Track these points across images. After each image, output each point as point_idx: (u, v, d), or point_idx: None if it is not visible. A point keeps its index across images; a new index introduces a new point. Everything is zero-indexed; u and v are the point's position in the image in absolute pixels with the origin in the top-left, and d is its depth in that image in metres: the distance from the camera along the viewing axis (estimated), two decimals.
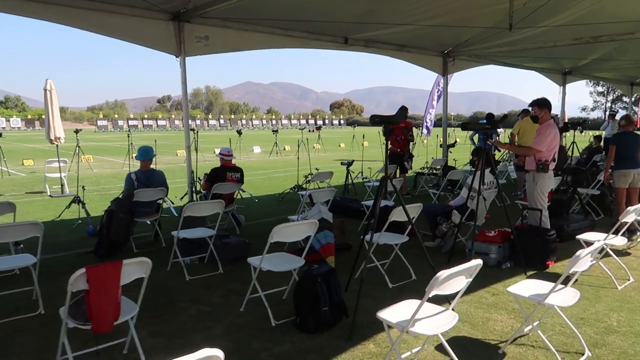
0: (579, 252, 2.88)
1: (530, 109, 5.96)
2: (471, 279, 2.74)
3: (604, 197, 7.57)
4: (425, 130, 17.91)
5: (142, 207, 5.71)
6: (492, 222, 5.93)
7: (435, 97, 18.06)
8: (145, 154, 5.92)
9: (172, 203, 7.89)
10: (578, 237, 4.71)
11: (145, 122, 63.37)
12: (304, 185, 9.50)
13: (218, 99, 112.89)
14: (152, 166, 6.16)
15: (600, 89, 68.24)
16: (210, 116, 75.80)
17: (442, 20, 7.79)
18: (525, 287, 3.22)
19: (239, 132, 18.24)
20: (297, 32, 7.55)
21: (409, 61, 9.80)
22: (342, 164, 10.07)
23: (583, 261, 2.99)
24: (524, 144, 9.41)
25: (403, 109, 3.83)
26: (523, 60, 11.91)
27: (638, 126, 33.73)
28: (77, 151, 13.19)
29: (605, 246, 4.57)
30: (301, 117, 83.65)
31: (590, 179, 7.95)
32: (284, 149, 23.17)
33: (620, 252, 5.58)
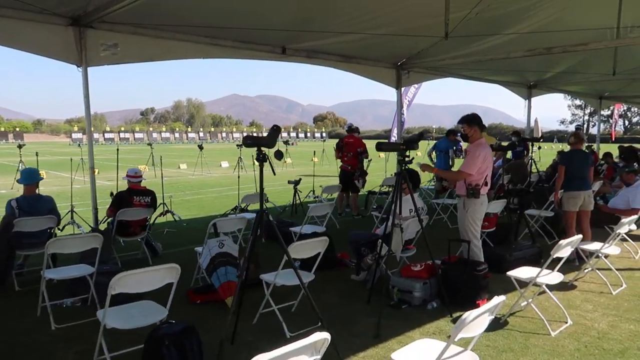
0: (466, 315, 2.25)
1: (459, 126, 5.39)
2: (493, 316, 2.56)
3: (558, 219, 7.02)
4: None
5: (27, 238, 4.97)
6: (432, 252, 5.32)
7: (405, 111, 17.61)
8: (29, 177, 5.19)
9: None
10: (509, 273, 4.11)
11: (122, 134, 62.19)
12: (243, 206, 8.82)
13: (200, 112, 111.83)
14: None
15: (578, 102, 69.02)
16: (189, 129, 74.63)
17: (390, 30, 7.24)
18: (414, 351, 2.58)
19: (200, 147, 17.57)
20: (226, 40, 6.92)
21: (360, 74, 9.24)
22: (289, 182, 9.45)
23: (478, 322, 2.36)
24: None
25: (276, 130, 3.24)
26: (485, 73, 11.46)
27: (612, 139, 33.68)
28: (19, 167, 12.36)
29: (539, 284, 3.97)
30: (283, 129, 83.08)
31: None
32: (254, 163, 22.53)
33: (566, 286, 5.00)
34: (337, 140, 9.71)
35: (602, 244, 4.99)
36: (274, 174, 3.66)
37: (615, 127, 36.56)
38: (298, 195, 9.33)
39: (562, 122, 73.21)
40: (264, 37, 7.18)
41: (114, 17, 5.59)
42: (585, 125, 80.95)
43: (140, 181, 5.98)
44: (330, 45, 7.91)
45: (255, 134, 66.32)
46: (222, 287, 4.31)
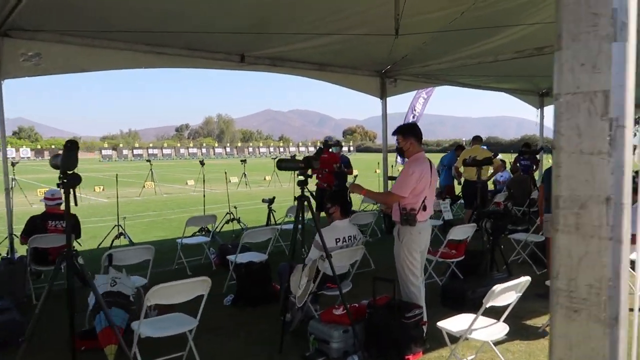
0: None
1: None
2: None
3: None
4: (399, 159, 16.53)
5: None
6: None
7: (411, 121, 16.78)
8: None
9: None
10: (439, 324, 3.26)
11: (150, 151, 63.15)
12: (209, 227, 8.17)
13: (229, 127, 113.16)
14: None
15: None
16: (216, 144, 75.31)
17: (363, 31, 6.50)
18: None
19: (202, 163, 17.14)
20: (171, 48, 6.34)
21: (339, 83, 8.53)
22: (263, 201, 8.75)
23: None
24: (470, 179, 7.99)
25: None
26: (487, 80, 10.54)
27: None
28: (12, 185, 12.16)
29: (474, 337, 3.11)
30: (310, 144, 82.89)
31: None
32: (264, 179, 22.07)
33: (536, 333, 4.08)
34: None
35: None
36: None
37: None
38: (273, 215, 8.62)
39: None
40: (218, 44, 6.57)
41: (35, 24, 5.10)
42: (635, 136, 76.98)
43: (59, 204, 5.39)
44: (298, 52, 7.22)
45: (281, 149, 65.86)
46: (102, 333, 3.62)
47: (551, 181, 4.17)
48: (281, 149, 72.70)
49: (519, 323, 4.33)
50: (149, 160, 17.23)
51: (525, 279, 3.13)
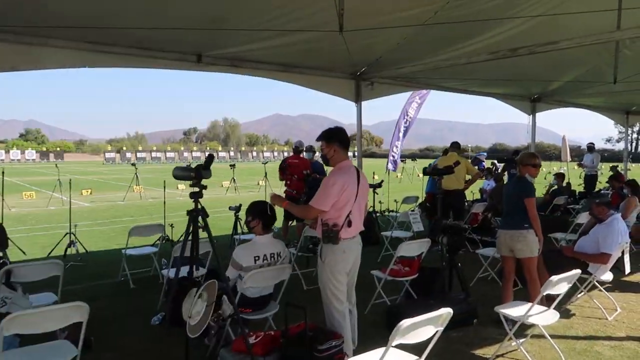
0: None
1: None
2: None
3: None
4: (390, 165, 16.07)
5: None
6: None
7: (402, 129, 16.32)
8: None
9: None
10: None
11: (153, 154, 63.16)
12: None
13: (235, 131, 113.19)
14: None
15: None
16: (220, 148, 75.23)
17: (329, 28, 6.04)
18: None
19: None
20: (119, 47, 5.96)
21: (308, 86, 8.10)
22: (230, 209, 8.33)
23: None
24: (447, 188, 7.53)
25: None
26: (472, 84, 10.06)
27: None
28: None
29: None
30: (317, 148, 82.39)
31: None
32: (258, 183, 21.73)
33: None
34: None
35: (527, 306, 3.58)
36: None
37: None
38: (239, 224, 8.20)
39: (609, 141, 68.98)
40: (172, 43, 6.19)
41: None
42: (633, 144, 76.02)
43: None
44: (260, 52, 6.82)
45: (285, 153, 65.54)
46: None
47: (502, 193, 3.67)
48: (285, 153, 72.57)
49: (467, 352, 3.88)
50: (133, 164, 16.92)
51: (447, 312, 2.68)
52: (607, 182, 10.53)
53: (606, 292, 4.98)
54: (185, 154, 64.82)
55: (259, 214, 3.54)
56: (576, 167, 14.28)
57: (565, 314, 4.75)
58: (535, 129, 12.31)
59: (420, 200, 10.48)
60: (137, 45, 6.06)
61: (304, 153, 9.06)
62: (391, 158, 16.29)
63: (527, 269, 4.56)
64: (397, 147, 16.45)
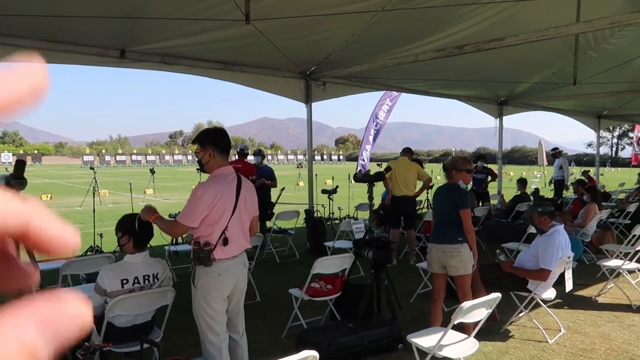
0: None
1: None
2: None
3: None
4: (360, 169, 15.61)
5: None
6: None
7: (372, 132, 15.91)
8: None
9: None
10: None
11: (133, 157, 62.17)
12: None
13: None
14: None
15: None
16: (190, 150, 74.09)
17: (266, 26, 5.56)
18: None
19: (152, 171, 16.27)
20: (27, 39, 5.40)
21: (252, 85, 7.61)
22: (169, 216, 7.76)
23: None
24: (396, 194, 7.08)
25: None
26: (432, 85, 9.65)
27: (634, 163, 30.54)
28: None
29: None
30: (299, 152, 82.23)
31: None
32: None
33: None
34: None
35: (438, 332, 3.10)
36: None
37: (637, 150, 33.46)
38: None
39: (590, 145, 69.44)
40: (89, 36, 5.64)
41: None
42: (614, 148, 76.60)
43: None
44: (196, 48, 6.31)
45: (269, 157, 66.29)
46: None
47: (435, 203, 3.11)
48: (269, 157, 72.09)
49: None
50: (92, 168, 16.22)
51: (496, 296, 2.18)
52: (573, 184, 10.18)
53: (551, 311, 4.54)
54: (167, 157, 63.94)
55: (129, 230, 3.03)
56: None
57: (503, 336, 4.30)
58: (516, 133, 12.02)
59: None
60: (49, 39, 5.51)
61: (251, 157, 8.57)
62: (361, 162, 15.86)
63: (460, 288, 4.10)
64: (366, 150, 16.05)
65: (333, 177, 17.65)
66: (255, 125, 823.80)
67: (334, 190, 8.92)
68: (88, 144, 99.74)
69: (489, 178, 10.51)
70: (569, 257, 4.23)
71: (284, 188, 8.88)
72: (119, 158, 59.70)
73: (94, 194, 9.82)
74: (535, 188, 12.03)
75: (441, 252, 3.91)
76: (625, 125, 54.89)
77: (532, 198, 11.81)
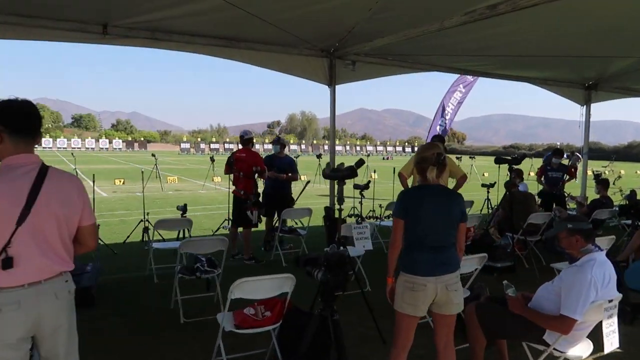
0: None
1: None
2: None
3: None
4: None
5: None
6: None
7: (438, 127, 14.37)
8: None
9: None
10: None
11: (227, 146, 64.63)
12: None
13: (312, 125, 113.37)
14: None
15: None
16: (292, 141, 75.47)
17: None
18: None
19: (212, 159, 16.20)
20: None
21: (265, 66, 6.75)
22: (177, 208, 7.19)
23: None
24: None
25: None
26: (491, 64, 8.07)
27: None
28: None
29: None
30: (397, 143, 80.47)
31: None
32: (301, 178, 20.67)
33: None
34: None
35: None
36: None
37: None
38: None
39: None
40: (63, 9, 5.10)
41: None
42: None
43: None
44: (191, 20, 5.54)
45: (357, 147, 64.37)
46: None
47: (413, 211, 2.91)
48: (357, 148, 71.21)
49: None
50: (153, 155, 16.47)
51: None
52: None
53: None
54: (258, 147, 65.69)
55: None
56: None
57: None
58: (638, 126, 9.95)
59: None
60: (17, 13, 5.04)
61: (273, 146, 7.71)
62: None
63: (450, 331, 2.92)
64: (439, 127, 14.53)
65: (375, 171, 16.44)
66: (351, 117, 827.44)
67: (366, 186, 7.75)
68: (189, 132, 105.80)
69: (566, 177, 8.70)
70: (610, 301, 2.84)
71: (309, 181, 7.95)
72: (212, 146, 62.32)
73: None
74: (632, 190, 9.83)
75: (444, 287, 2.76)
76: None
77: (626, 202, 9.74)
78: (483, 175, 22.55)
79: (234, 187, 6.67)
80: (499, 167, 7.20)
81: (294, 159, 7.69)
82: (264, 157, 7.10)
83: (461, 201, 2.90)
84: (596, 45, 7.14)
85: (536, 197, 9.17)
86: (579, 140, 10.63)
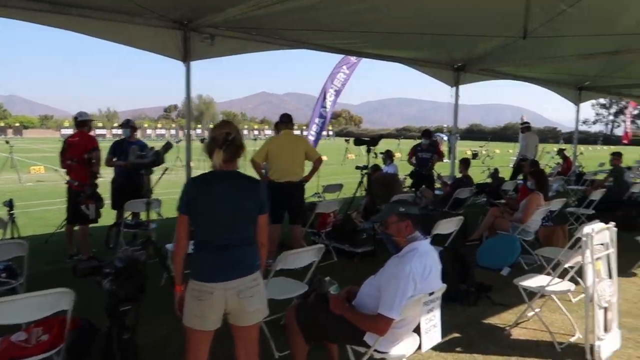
0: None
1: None
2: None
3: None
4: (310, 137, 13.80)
5: None
6: None
7: (321, 104, 14.08)
8: None
9: None
10: None
11: (114, 131, 60.27)
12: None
13: (210, 109, 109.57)
14: None
15: (602, 100, 63.40)
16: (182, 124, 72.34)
17: None
18: None
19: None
20: None
21: (108, 38, 5.93)
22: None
23: None
24: (278, 180, 5.42)
25: None
26: (362, 43, 7.89)
27: (626, 141, 28.95)
28: None
29: None
30: (296, 126, 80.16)
31: None
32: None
33: None
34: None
35: None
36: None
37: (628, 128, 31.66)
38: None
39: (585, 122, 67.50)
40: None
41: None
42: (609, 126, 74.25)
43: None
44: None
45: (255, 131, 62.91)
46: None
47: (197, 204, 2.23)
48: (255, 132, 69.96)
49: None
50: (7, 142, 14.57)
51: None
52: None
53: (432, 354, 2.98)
54: (149, 132, 62.02)
55: None
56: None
57: None
58: (516, 110, 10.37)
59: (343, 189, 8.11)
60: None
61: (123, 129, 6.88)
62: (309, 137, 14.07)
63: (250, 345, 2.50)
64: (316, 124, 14.25)
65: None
66: (253, 100, 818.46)
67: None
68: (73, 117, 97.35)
69: (435, 157, 8.84)
70: (431, 294, 2.60)
71: (167, 169, 7.23)
72: (98, 132, 57.75)
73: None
74: (495, 169, 10.36)
75: (235, 294, 2.31)
76: (623, 102, 52.81)
77: (491, 180, 10.22)
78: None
79: (68, 179, 5.77)
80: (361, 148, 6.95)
81: (146, 143, 6.91)
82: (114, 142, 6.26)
83: (260, 190, 2.49)
84: (462, 25, 7.19)
85: (408, 177, 9.27)
86: (464, 122, 10.94)
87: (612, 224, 3.54)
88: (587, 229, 3.32)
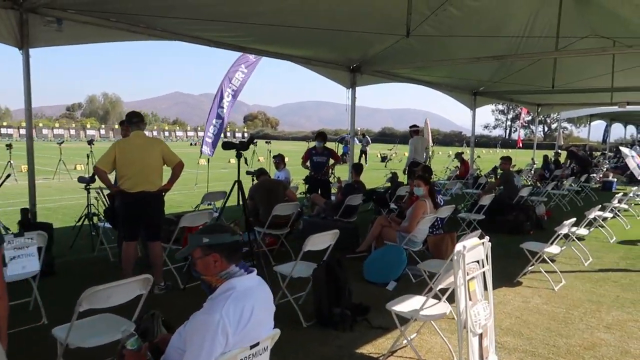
0: None
1: None
2: None
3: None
4: (205, 148, 12.88)
5: None
6: None
7: (218, 104, 13.21)
8: None
9: None
10: None
11: (4, 130, 54.70)
12: None
13: (116, 108, 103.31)
14: None
15: (500, 107, 67.95)
16: (89, 125, 67.85)
17: None
18: None
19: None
20: None
21: None
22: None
23: None
24: (130, 190, 4.58)
25: None
26: (243, 37, 7.23)
27: (519, 145, 30.88)
28: None
29: None
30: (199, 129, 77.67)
31: None
32: (75, 167, 17.62)
33: None
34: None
35: None
36: None
37: (520, 133, 33.98)
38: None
39: (486, 127, 72.06)
40: None
41: None
42: (507, 131, 79.94)
43: None
44: None
45: (166, 133, 60.70)
46: None
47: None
48: (165, 133, 66.76)
49: None
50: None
51: None
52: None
53: None
54: (45, 132, 56.94)
55: None
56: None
57: None
58: (425, 115, 10.09)
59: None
60: None
61: None
62: (207, 140, 13.15)
63: None
64: (214, 126, 13.34)
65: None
66: (166, 100, 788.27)
67: (92, 179, 6.20)
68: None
69: (331, 161, 8.39)
70: (253, 347, 1.98)
71: (9, 175, 6.11)
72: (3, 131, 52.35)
73: None
74: (393, 172, 10.16)
75: None
76: (519, 109, 56.90)
77: (389, 185, 9.97)
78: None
79: None
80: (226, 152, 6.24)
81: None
82: None
83: None
84: (348, 22, 6.80)
85: (302, 182, 8.74)
86: (377, 126, 10.63)
87: (486, 239, 3.16)
88: (459, 246, 2.90)
